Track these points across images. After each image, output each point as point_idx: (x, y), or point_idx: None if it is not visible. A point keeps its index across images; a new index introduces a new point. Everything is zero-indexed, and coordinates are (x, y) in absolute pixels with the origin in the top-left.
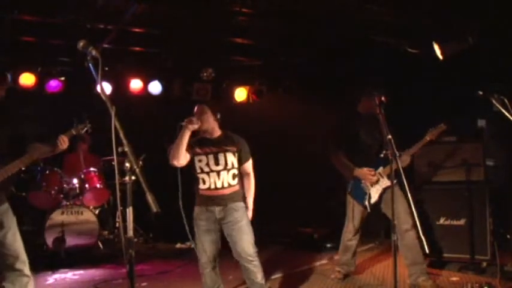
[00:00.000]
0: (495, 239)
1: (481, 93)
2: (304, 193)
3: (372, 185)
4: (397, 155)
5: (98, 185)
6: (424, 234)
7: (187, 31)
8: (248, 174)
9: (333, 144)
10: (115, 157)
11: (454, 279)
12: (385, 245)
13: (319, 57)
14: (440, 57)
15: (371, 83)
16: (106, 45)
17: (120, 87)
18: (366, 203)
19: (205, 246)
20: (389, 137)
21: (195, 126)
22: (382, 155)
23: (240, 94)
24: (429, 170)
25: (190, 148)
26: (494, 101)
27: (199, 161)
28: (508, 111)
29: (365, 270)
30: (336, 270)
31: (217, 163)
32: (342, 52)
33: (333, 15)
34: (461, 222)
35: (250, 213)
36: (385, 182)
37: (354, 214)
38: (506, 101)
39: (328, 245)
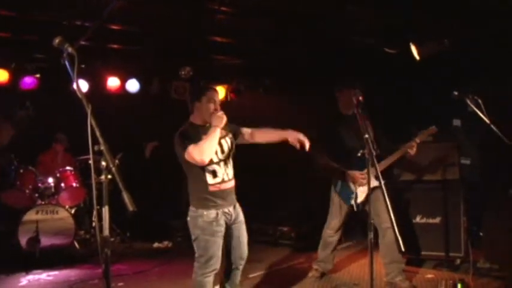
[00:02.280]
0: (469, 237)
1: (456, 93)
2: (283, 192)
3: (359, 185)
4: (374, 153)
5: (74, 184)
6: (400, 233)
7: (166, 29)
8: (251, 130)
9: (316, 148)
10: (91, 156)
11: (429, 276)
12: (362, 244)
13: (300, 57)
14: (417, 57)
15: (346, 80)
16: (83, 42)
17: (98, 85)
18: (353, 202)
19: (220, 253)
20: (366, 136)
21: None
22: (359, 154)
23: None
24: (406, 169)
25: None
26: (468, 102)
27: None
28: (482, 112)
29: (342, 269)
30: (314, 269)
31: (222, 150)
32: (322, 52)
33: (313, 16)
34: (437, 220)
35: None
36: (371, 183)
37: (339, 212)
38: (480, 101)
39: (307, 244)
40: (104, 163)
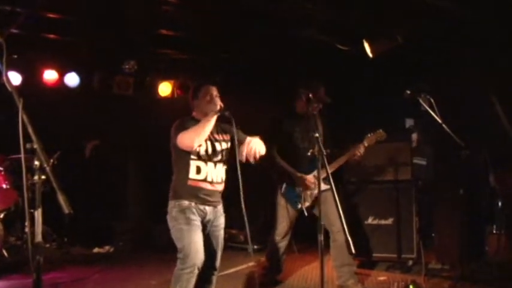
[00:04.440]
0: (421, 238)
1: (408, 92)
2: (231, 192)
3: (306, 189)
4: (324, 153)
5: (4, 186)
6: (351, 235)
7: (109, 19)
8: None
9: (268, 147)
10: (22, 155)
11: (382, 278)
12: (313, 247)
13: (251, 53)
14: (370, 55)
15: (309, 81)
16: (14, 30)
17: (32, 77)
18: (300, 205)
19: (198, 245)
20: (316, 135)
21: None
22: (309, 154)
23: (164, 88)
24: (358, 169)
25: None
26: (421, 101)
27: (199, 145)
28: (434, 111)
29: (293, 273)
30: (263, 274)
31: (214, 151)
32: (274, 48)
33: (265, 11)
34: (389, 221)
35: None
36: (321, 185)
37: (287, 216)
38: (432, 100)
39: (255, 247)
40: (37, 163)
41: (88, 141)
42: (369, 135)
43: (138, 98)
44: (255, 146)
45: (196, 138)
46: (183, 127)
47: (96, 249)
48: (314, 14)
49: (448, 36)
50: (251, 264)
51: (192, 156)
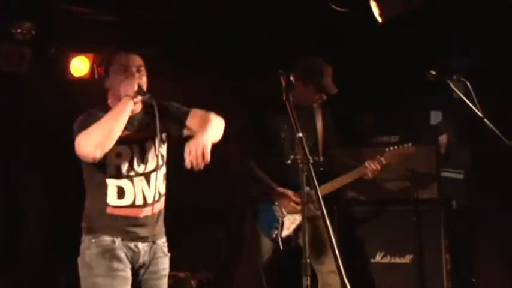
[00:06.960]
0: (454, 284)
1: (434, 73)
2: (180, 218)
3: (288, 212)
4: (311, 160)
5: None
6: (350, 278)
7: None
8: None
9: (241, 152)
10: None
11: None
12: None
13: (206, 14)
14: (379, 19)
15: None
16: None
17: None
18: (276, 234)
19: None
20: (300, 135)
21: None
22: (289, 161)
23: (79, 66)
24: (361, 184)
25: None
26: (453, 86)
27: (118, 155)
28: (473, 101)
29: None
30: None
31: (144, 159)
32: (239, 8)
33: None
34: (407, 259)
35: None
36: (306, 210)
37: (258, 250)
38: (469, 85)
39: None
40: None
41: None
42: (392, 148)
43: (38, 79)
44: (201, 143)
45: (97, 141)
46: (85, 124)
47: None
48: None
49: None
50: None
51: (109, 173)
